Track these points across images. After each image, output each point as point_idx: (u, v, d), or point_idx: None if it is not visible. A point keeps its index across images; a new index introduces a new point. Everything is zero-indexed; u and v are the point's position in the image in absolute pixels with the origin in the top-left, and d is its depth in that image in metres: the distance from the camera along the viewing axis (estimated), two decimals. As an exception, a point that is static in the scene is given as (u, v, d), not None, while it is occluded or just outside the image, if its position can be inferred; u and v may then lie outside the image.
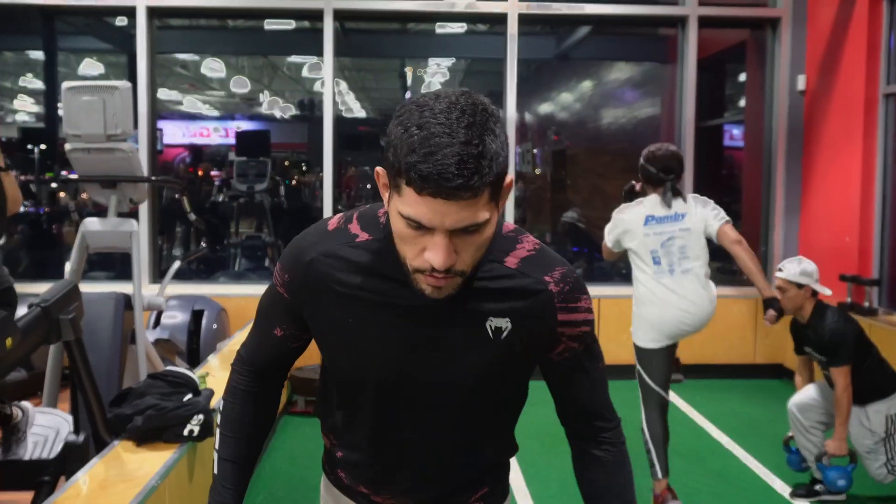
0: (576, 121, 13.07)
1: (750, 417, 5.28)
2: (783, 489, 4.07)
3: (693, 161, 6.50)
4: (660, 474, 3.67)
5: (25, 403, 3.32)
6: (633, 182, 3.83)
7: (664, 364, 3.62)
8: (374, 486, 1.48)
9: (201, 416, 2.89)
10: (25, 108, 16.73)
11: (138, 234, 4.26)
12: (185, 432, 2.86)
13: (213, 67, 13.15)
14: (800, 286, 3.67)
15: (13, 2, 6.26)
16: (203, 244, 4.80)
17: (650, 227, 3.56)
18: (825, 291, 3.73)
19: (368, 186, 18.86)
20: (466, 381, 1.36)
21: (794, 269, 3.71)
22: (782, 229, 6.52)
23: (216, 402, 3.31)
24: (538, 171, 13.85)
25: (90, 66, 11.38)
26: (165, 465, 2.64)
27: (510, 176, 1.20)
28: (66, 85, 4.15)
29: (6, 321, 2.25)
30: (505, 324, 1.31)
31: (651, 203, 3.61)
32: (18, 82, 15.01)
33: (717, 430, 5.02)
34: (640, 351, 3.67)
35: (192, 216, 4.60)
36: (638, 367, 3.68)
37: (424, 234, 1.16)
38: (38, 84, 14.49)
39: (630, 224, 3.63)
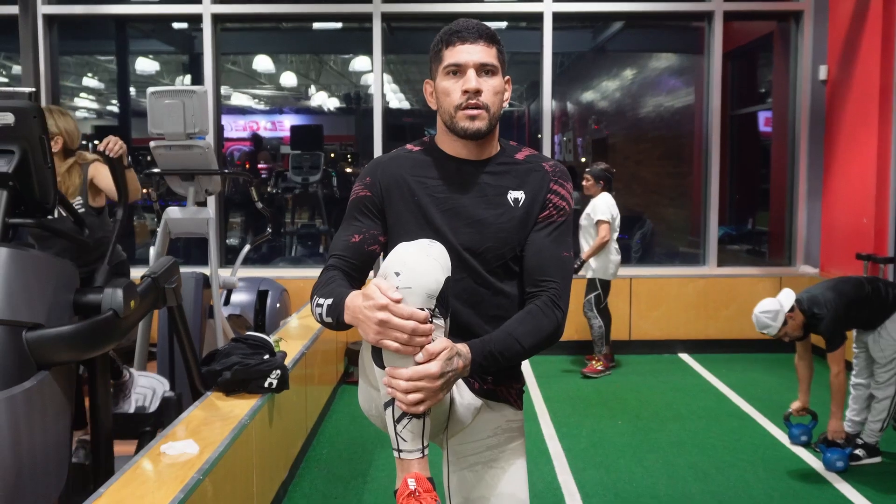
0: (615, 110, 13.39)
1: (769, 386, 5.70)
2: (791, 444, 4.50)
3: (720, 149, 6.89)
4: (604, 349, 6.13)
5: (131, 368, 3.95)
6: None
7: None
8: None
9: (279, 371, 3.43)
10: (85, 106, 17.55)
11: (214, 220, 4.82)
12: (266, 384, 3.40)
13: (262, 63, 13.68)
14: (784, 323, 4.15)
15: (91, 12, 6.88)
16: (269, 229, 5.32)
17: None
18: (788, 302, 4.17)
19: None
20: (498, 240, 1.84)
21: (770, 326, 4.15)
22: (805, 211, 6.89)
23: (290, 361, 3.88)
24: (583, 159, 14.20)
25: (145, 64, 12.06)
26: (252, 409, 3.18)
27: (508, 77, 1.89)
28: (150, 90, 4.71)
29: (131, 287, 2.79)
30: (520, 195, 1.87)
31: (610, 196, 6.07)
32: (81, 81, 15.80)
33: (737, 397, 5.45)
34: (604, 283, 6.05)
35: (259, 204, 5.14)
36: (599, 290, 6.05)
37: (460, 78, 1.80)
38: (95, 82, 15.29)
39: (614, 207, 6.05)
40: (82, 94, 17.00)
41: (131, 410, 3.86)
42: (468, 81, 1.77)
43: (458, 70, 1.79)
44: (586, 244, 6.07)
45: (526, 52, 11.05)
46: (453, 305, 1.75)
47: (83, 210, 3.94)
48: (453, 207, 1.84)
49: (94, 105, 17.22)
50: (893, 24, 5.85)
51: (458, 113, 1.79)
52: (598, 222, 5.94)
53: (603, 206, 5.96)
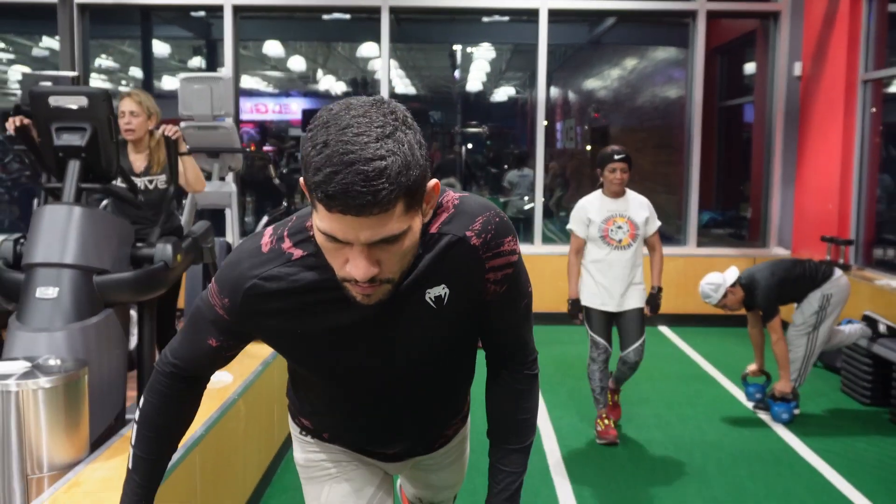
0: (613, 99, 13.86)
1: (737, 355, 6.24)
2: (747, 401, 5.07)
3: (702, 138, 7.43)
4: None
5: None
6: None
7: None
8: (365, 449, 1.68)
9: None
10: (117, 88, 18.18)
11: (235, 194, 5.37)
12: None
13: (272, 48, 14.16)
14: (725, 296, 4.67)
15: (121, 2, 7.42)
16: (285, 203, 5.90)
17: None
18: (731, 278, 4.68)
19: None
20: (425, 358, 1.45)
21: (710, 297, 4.67)
22: (779, 197, 7.43)
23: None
24: (588, 147, 14.69)
25: (158, 47, 12.59)
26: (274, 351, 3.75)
27: (433, 181, 1.22)
28: (181, 76, 5.27)
29: (178, 244, 3.35)
30: (443, 290, 1.35)
31: None
32: (97, 63, 16.35)
33: (707, 363, 6.02)
34: None
35: (277, 181, 5.71)
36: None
37: (344, 246, 1.17)
38: (110, 63, 15.86)
39: None
40: (93, 75, 17.56)
41: None
42: (355, 268, 1.19)
43: (338, 240, 1.18)
44: (639, 262, 4.33)
45: (529, 43, 11.54)
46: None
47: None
48: (353, 337, 1.39)
49: (108, 86, 17.78)
50: (858, 24, 6.37)
51: (344, 283, 1.25)
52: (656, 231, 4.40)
53: (652, 208, 4.39)
